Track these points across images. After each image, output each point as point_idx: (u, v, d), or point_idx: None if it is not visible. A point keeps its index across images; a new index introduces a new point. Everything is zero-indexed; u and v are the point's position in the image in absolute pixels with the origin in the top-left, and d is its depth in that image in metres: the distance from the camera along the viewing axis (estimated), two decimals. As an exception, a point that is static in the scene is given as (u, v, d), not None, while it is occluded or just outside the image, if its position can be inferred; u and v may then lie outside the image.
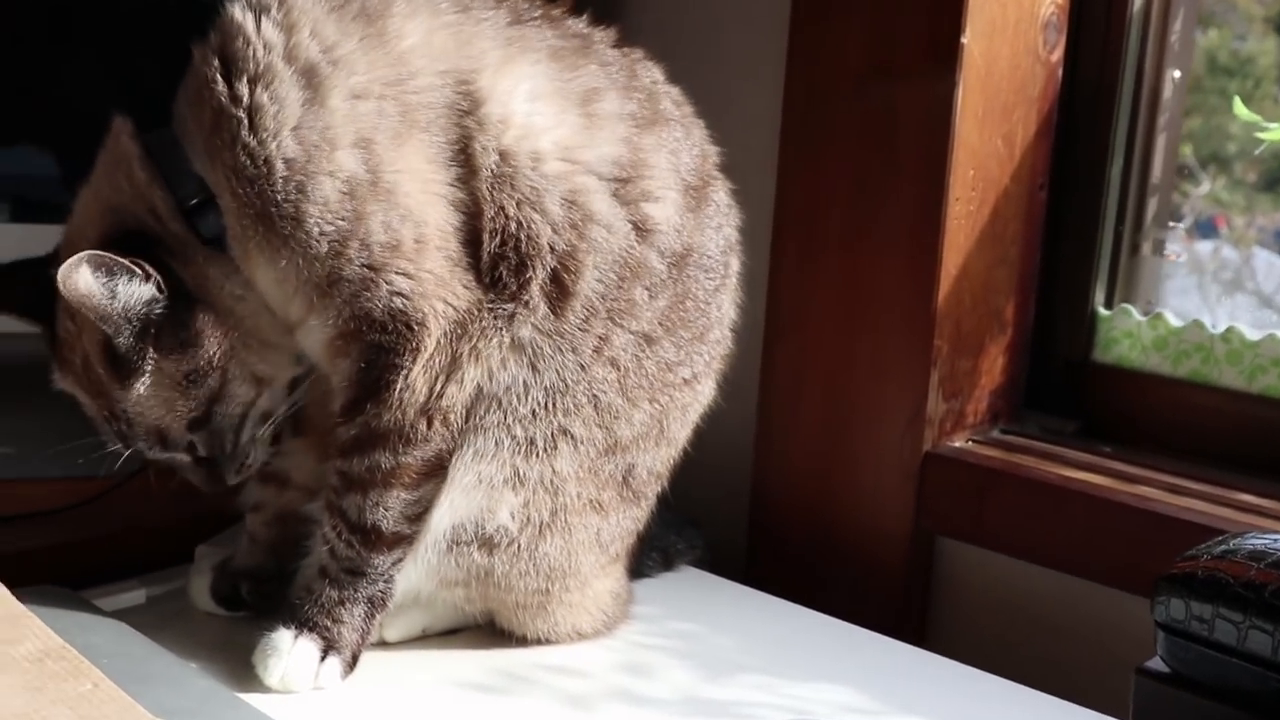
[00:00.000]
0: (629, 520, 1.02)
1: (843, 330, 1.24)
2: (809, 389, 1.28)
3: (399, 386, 0.90)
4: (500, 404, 0.93)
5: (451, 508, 0.94)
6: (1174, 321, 1.23)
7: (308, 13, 0.89)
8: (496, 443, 0.94)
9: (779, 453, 1.31)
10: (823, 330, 1.26)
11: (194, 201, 0.90)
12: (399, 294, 0.88)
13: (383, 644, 1.00)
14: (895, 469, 1.22)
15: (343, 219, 0.88)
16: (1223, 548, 0.83)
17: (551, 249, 0.91)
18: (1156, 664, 0.83)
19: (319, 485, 0.98)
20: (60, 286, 0.86)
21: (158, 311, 0.90)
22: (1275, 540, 0.81)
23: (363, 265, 0.88)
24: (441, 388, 0.91)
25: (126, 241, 0.90)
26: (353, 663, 0.95)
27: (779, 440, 1.30)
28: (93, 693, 0.81)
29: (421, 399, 0.90)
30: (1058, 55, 1.25)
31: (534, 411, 0.93)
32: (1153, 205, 1.28)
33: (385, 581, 0.94)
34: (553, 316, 0.92)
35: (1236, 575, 0.79)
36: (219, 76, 0.88)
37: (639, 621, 1.08)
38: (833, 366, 1.26)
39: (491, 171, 0.90)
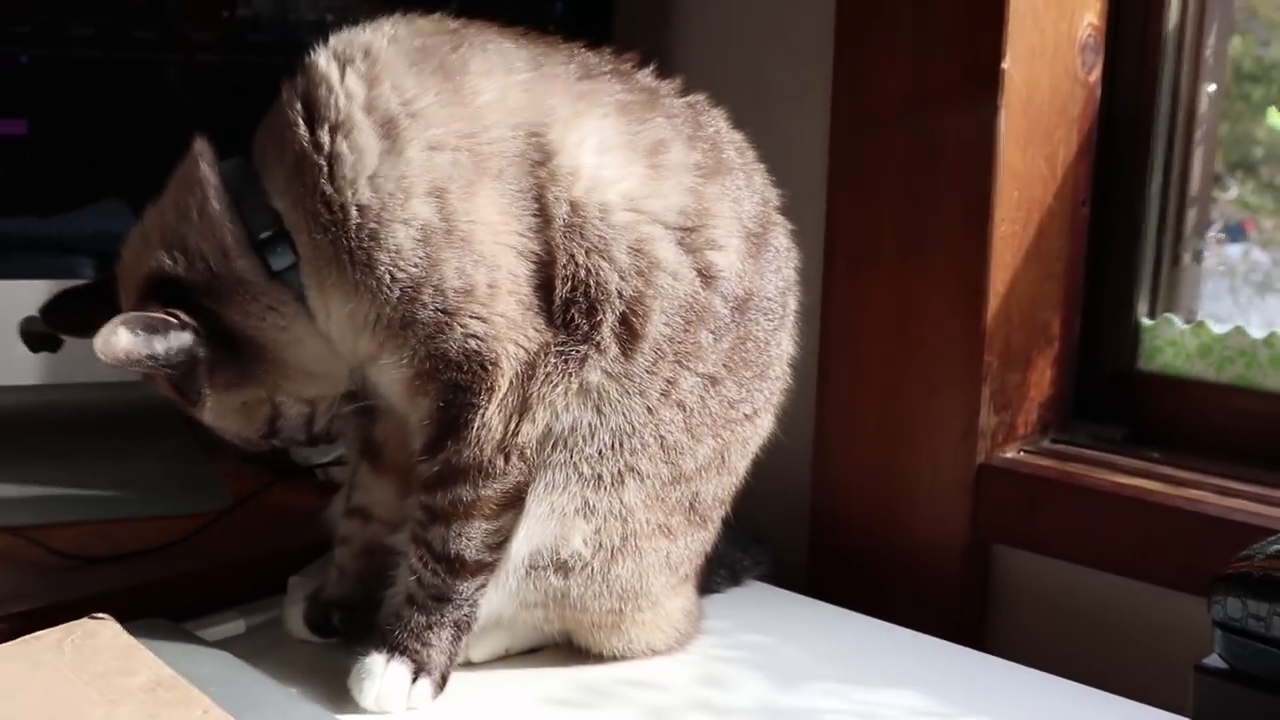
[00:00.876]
0: (696, 543, 1.04)
1: (895, 349, 1.26)
2: (864, 407, 1.29)
3: (476, 425, 0.92)
4: (566, 444, 0.95)
5: (528, 536, 0.96)
6: (1216, 329, 1.24)
7: (390, 66, 0.91)
8: (565, 478, 0.96)
9: (837, 469, 1.32)
10: (875, 350, 1.27)
11: (266, 234, 0.93)
12: (473, 336, 0.91)
13: (469, 664, 1.02)
14: (950, 481, 1.23)
15: (415, 265, 0.90)
16: (1276, 547, 0.83)
17: (620, 295, 0.93)
18: (1215, 661, 0.84)
19: (401, 519, 1.00)
20: (99, 353, 0.90)
21: (203, 354, 0.93)
22: (1325, 538, 0.82)
23: (437, 309, 0.90)
24: (516, 425, 0.93)
25: (168, 287, 0.93)
26: (442, 683, 0.97)
27: (836, 457, 1.32)
28: (204, 718, 0.84)
29: (498, 436, 0.92)
30: (1096, 76, 1.26)
31: (600, 452, 0.95)
32: (1192, 216, 1.29)
33: (470, 606, 0.96)
34: (623, 359, 0.94)
35: (1290, 574, 0.80)
36: (301, 121, 0.91)
37: (712, 635, 1.10)
38: (886, 385, 1.27)
39: (564, 221, 0.92)
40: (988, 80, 1.18)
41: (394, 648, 0.96)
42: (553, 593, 0.99)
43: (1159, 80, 1.26)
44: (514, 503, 0.95)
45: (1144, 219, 1.28)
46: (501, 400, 0.92)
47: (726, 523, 1.07)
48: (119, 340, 0.90)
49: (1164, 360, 1.27)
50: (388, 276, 0.90)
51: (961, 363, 1.21)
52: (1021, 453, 1.25)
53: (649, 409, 0.96)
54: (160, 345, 0.92)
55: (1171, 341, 1.26)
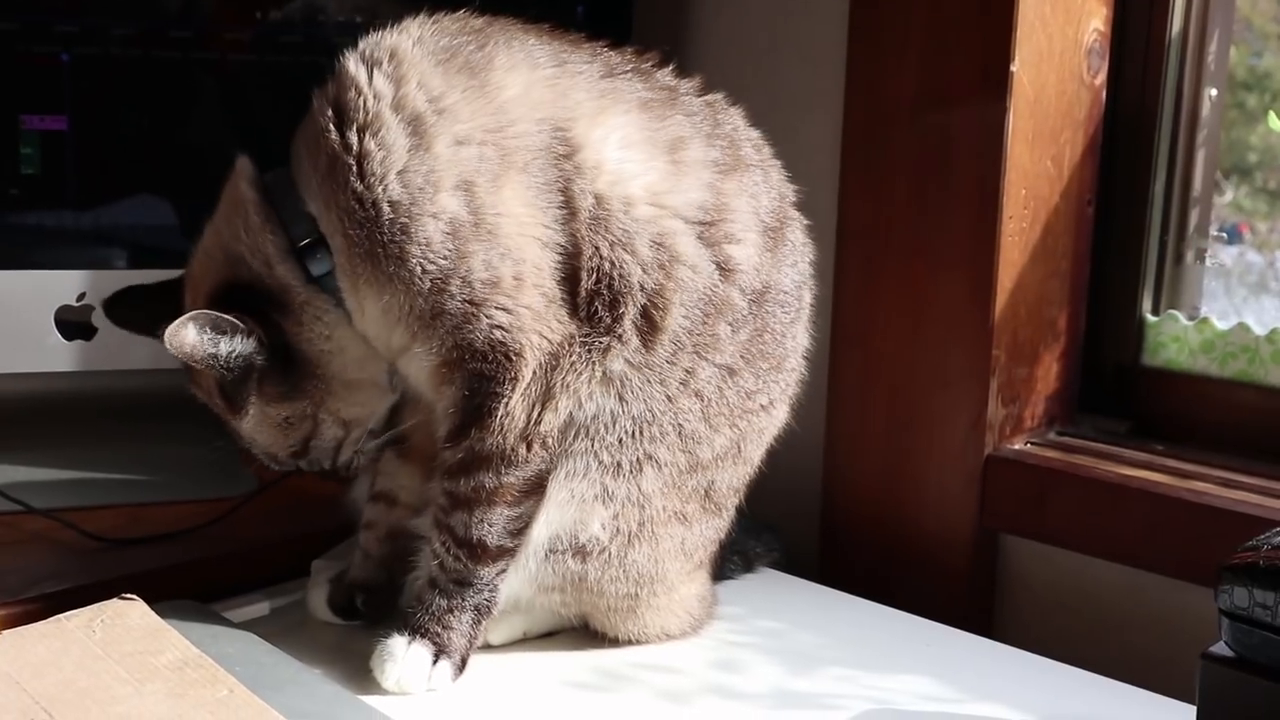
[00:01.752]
0: (711, 530, 1.03)
1: (905, 344, 1.24)
2: (874, 399, 1.27)
3: (500, 414, 0.90)
4: (588, 432, 0.94)
5: (547, 521, 0.95)
6: (1220, 325, 1.22)
7: (416, 65, 0.90)
8: (586, 465, 0.94)
9: (847, 460, 1.30)
10: (886, 344, 1.25)
11: (305, 241, 0.92)
12: (499, 327, 0.89)
13: (487, 647, 1.00)
14: (958, 472, 1.21)
15: (444, 258, 0.88)
16: (1281, 538, 0.82)
17: (642, 287, 0.92)
18: (1221, 649, 0.82)
19: (424, 503, 0.99)
20: (167, 343, 0.90)
21: (259, 362, 0.93)
22: (1331, 529, 0.80)
23: (464, 300, 0.89)
24: (539, 415, 0.91)
25: (238, 294, 0.93)
26: (462, 665, 0.95)
27: (847, 448, 1.30)
28: (229, 698, 0.82)
29: (521, 425, 0.91)
30: (1101, 79, 1.24)
31: (620, 440, 0.94)
32: (1194, 216, 1.27)
33: (490, 591, 0.95)
34: (644, 350, 0.93)
35: (1296, 563, 0.78)
36: (332, 125, 0.90)
37: (726, 621, 1.08)
38: (896, 378, 1.25)
39: (589, 214, 0.90)
40: (997, 82, 1.16)
41: (415, 630, 0.94)
42: (570, 577, 0.97)
43: (1162, 84, 1.24)
44: (536, 490, 0.93)
45: (1147, 218, 1.26)
46: (525, 390, 0.90)
47: (740, 510, 1.06)
48: (187, 335, 0.90)
49: (1167, 355, 1.25)
50: (419, 269, 0.89)
51: (970, 356, 1.19)
52: (1028, 444, 1.23)
53: (668, 398, 0.94)
54: (224, 346, 0.92)
55: (1175, 337, 1.24)
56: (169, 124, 1.31)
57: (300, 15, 1.32)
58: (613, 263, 0.91)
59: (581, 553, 0.96)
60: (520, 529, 0.93)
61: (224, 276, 0.95)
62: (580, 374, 0.92)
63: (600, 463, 0.94)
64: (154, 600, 0.94)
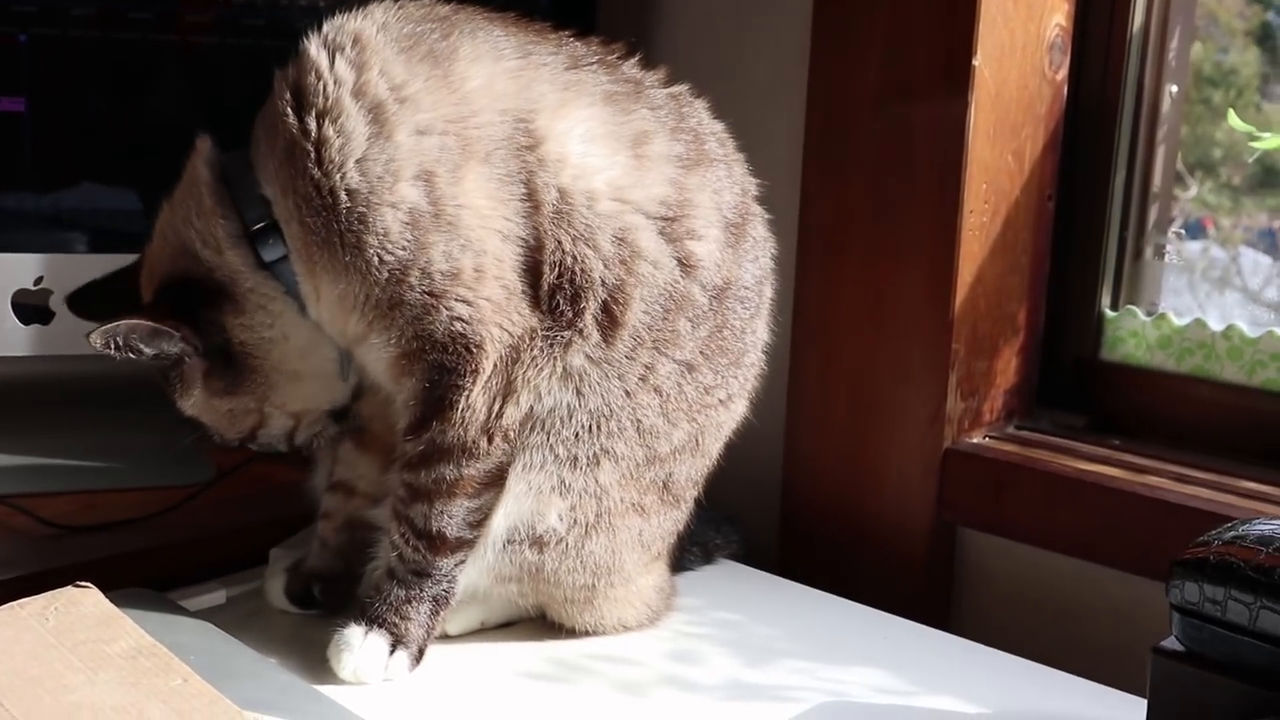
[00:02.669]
0: (669, 522, 1.03)
1: (865, 336, 1.24)
2: (834, 392, 1.27)
3: (461, 406, 0.90)
4: (544, 425, 0.93)
5: (505, 512, 0.95)
6: (1177, 321, 1.23)
7: (379, 53, 0.89)
8: (542, 458, 0.94)
9: (807, 452, 1.30)
10: (846, 337, 1.26)
11: (258, 226, 0.91)
12: (459, 319, 0.89)
13: (444, 637, 1.00)
14: (917, 465, 1.22)
15: (403, 248, 0.88)
16: (1232, 533, 0.82)
17: (603, 282, 0.91)
18: (1172, 643, 0.83)
19: (383, 494, 0.99)
20: (92, 345, 0.91)
21: (193, 361, 0.94)
22: (1281, 526, 0.81)
23: (424, 292, 0.88)
24: (500, 407, 0.91)
25: (181, 290, 0.93)
26: (419, 656, 0.95)
27: (807, 440, 1.30)
28: (183, 687, 0.82)
29: (482, 417, 0.91)
30: (1063, 75, 1.24)
31: (576, 434, 0.94)
32: (1154, 212, 1.28)
33: (449, 582, 0.95)
34: (604, 345, 0.92)
35: (1246, 559, 0.79)
36: (291, 110, 0.89)
37: (683, 612, 1.08)
38: (857, 370, 1.25)
39: (552, 208, 0.90)
40: (959, 77, 1.16)
41: (373, 620, 0.94)
42: (528, 567, 0.97)
43: (1123, 80, 1.25)
44: (496, 482, 0.93)
45: (1107, 214, 1.26)
46: (486, 382, 0.90)
47: (699, 502, 1.06)
48: (104, 341, 0.92)
49: (1125, 350, 1.25)
50: (376, 259, 0.88)
51: (930, 350, 1.20)
52: (987, 438, 1.24)
53: (627, 393, 0.94)
54: (149, 349, 0.93)
55: (1133, 332, 1.25)
56: (129, 106, 1.30)
57: (264, -1, 1.31)
58: (575, 257, 0.91)
59: (539, 544, 0.96)
60: (480, 521, 0.93)
61: (169, 271, 0.94)
62: (541, 368, 0.91)
63: (556, 456, 0.94)
64: (109, 588, 0.93)
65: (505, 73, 0.91)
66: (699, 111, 1.01)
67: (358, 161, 0.88)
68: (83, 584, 0.93)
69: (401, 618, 0.94)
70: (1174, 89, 1.26)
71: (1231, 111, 1.12)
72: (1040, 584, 1.19)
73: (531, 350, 0.91)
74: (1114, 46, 1.25)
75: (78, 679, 0.82)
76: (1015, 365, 1.26)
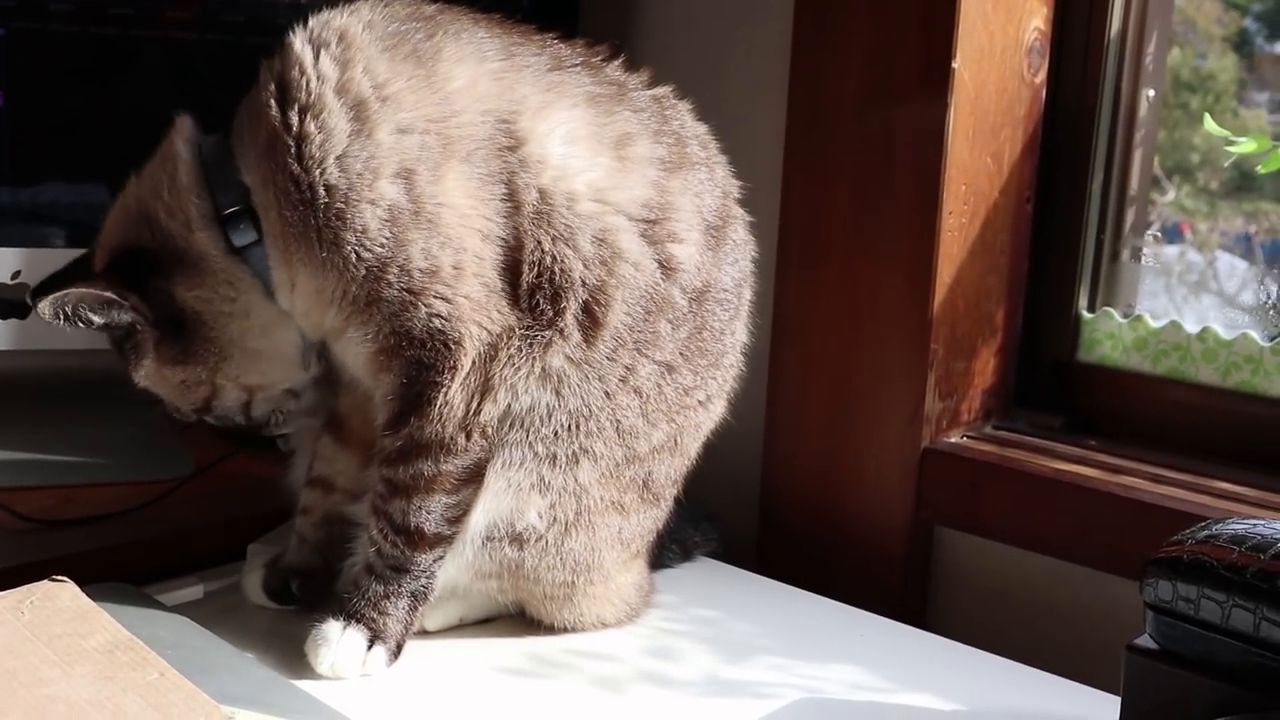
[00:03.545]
0: (649, 520, 1.03)
1: (845, 336, 1.25)
2: (813, 391, 1.28)
3: (439, 402, 0.90)
4: (523, 424, 0.93)
5: (485, 509, 0.95)
6: (1153, 323, 1.23)
7: (364, 50, 0.89)
8: (521, 456, 0.94)
9: (786, 450, 1.31)
10: (826, 336, 1.26)
11: (231, 210, 0.91)
12: (438, 315, 0.89)
13: (423, 633, 1.00)
14: (895, 464, 1.22)
15: (381, 245, 0.88)
16: (1205, 533, 0.83)
17: (583, 283, 0.91)
18: (1146, 641, 0.84)
19: (361, 489, 0.98)
20: (39, 314, 0.92)
21: (144, 331, 0.93)
22: (1254, 525, 0.82)
23: (402, 289, 0.88)
24: (478, 405, 0.91)
25: (134, 259, 0.93)
26: (397, 651, 0.95)
27: (786, 439, 1.31)
28: (160, 681, 0.81)
29: (460, 414, 0.91)
30: (1041, 78, 1.25)
31: (556, 433, 0.94)
32: (1130, 215, 1.29)
33: (427, 578, 0.95)
34: (584, 345, 0.92)
35: (1219, 558, 0.79)
36: (274, 103, 0.89)
37: (662, 609, 1.08)
38: (836, 370, 1.26)
39: (533, 208, 0.90)
40: (938, 79, 1.17)
41: (351, 616, 0.94)
42: (507, 564, 0.97)
43: (1101, 84, 1.26)
44: (474, 478, 0.93)
45: (1085, 216, 1.27)
46: (464, 379, 0.90)
47: (678, 500, 1.06)
48: (50, 309, 0.92)
49: (1102, 352, 1.26)
50: (354, 255, 0.88)
51: (909, 351, 1.20)
52: (964, 438, 1.24)
53: (607, 394, 0.94)
54: (98, 319, 0.93)
55: (1110, 334, 1.26)
56: (108, 101, 1.29)
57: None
58: (554, 257, 0.91)
59: (518, 540, 0.96)
60: (458, 517, 0.93)
61: (121, 241, 0.94)
62: (520, 367, 0.91)
63: (536, 454, 0.94)
64: (86, 583, 0.93)
65: (488, 74, 0.91)
66: (682, 114, 1.01)
67: (338, 158, 0.88)
68: (59, 578, 0.93)
69: (380, 613, 0.94)
70: (1151, 93, 1.27)
71: (1208, 116, 1.13)
72: (1016, 583, 1.20)
73: (509, 349, 0.91)
74: (1092, 50, 1.26)
75: (53, 673, 0.81)
76: (993, 366, 1.27)
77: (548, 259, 0.91)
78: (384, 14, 0.92)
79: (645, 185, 0.94)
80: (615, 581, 1.03)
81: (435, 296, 0.89)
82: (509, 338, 0.91)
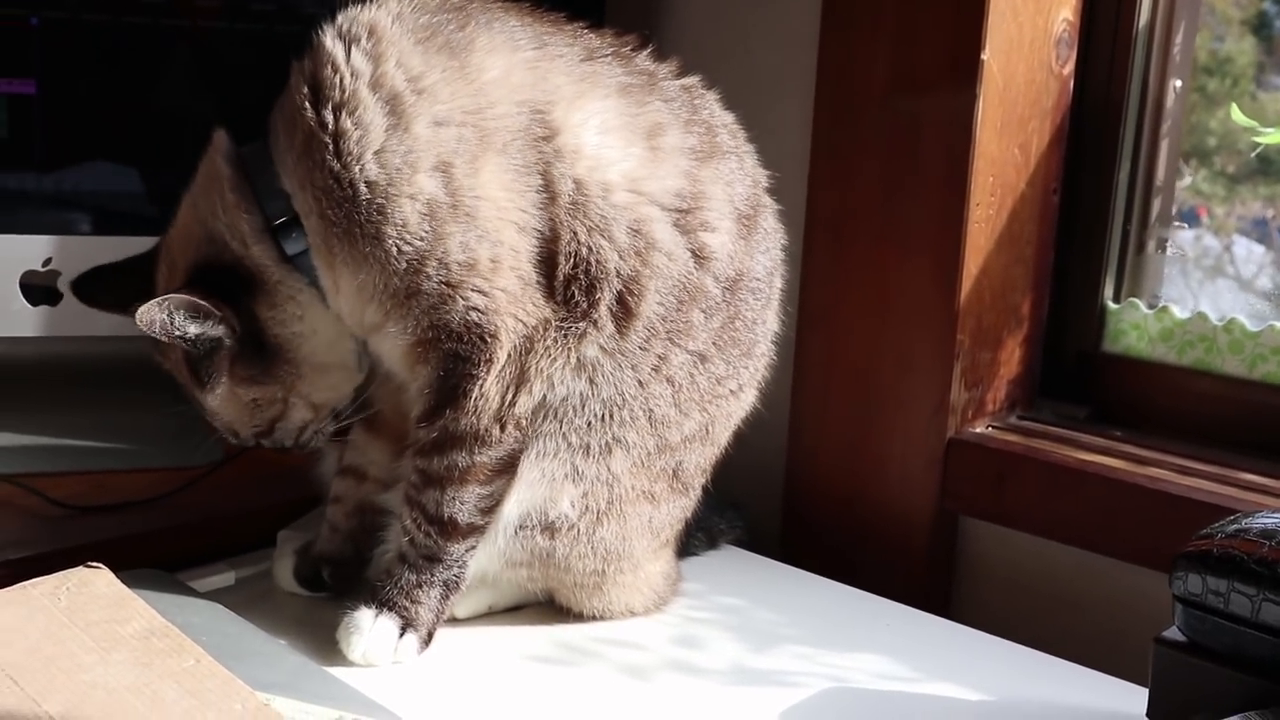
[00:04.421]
0: (678, 509, 1.03)
1: (871, 326, 1.25)
2: (839, 381, 1.28)
3: (475, 395, 0.90)
4: (557, 414, 0.94)
5: (518, 498, 0.95)
6: (1179, 314, 1.23)
7: (395, 44, 0.89)
8: (555, 446, 0.94)
9: (811, 440, 1.31)
10: (852, 326, 1.26)
11: (280, 220, 0.91)
12: (474, 308, 0.89)
13: (453, 620, 1.00)
14: (921, 454, 1.22)
15: (421, 239, 0.88)
16: (1235, 526, 0.83)
17: (618, 273, 0.91)
18: (1174, 634, 0.84)
19: (393, 479, 0.99)
20: (138, 321, 0.90)
21: (228, 345, 0.93)
22: (1283, 519, 0.82)
23: (440, 282, 0.89)
24: (513, 397, 0.91)
25: (214, 275, 0.93)
26: (428, 639, 0.96)
27: (811, 428, 1.31)
28: (196, 668, 0.82)
29: (495, 406, 0.91)
30: (1069, 69, 1.25)
31: (589, 423, 0.94)
32: (1156, 206, 1.28)
33: (459, 567, 0.95)
34: (618, 336, 0.93)
35: (1249, 552, 0.80)
36: (308, 103, 0.88)
37: (688, 597, 1.09)
38: (861, 360, 1.26)
39: (568, 199, 0.90)
40: (967, 70, 1.17)
41: (383, 603, 0.94)
42: (539, 552, 0.97)
43: (1129, 75, 1.25)
44: (508, 469, 0.93)
45: (1111, 207, 1.27)
46: (500, 372, 0.90)
47: (704, 489, 1.06)
48: (159, 316, 0.90)
49: (1127, 343, 1.26)
50: (394, 249, 0.88)
51: (935, 341, 1.20)
52: (990, 428, 1.24)
53: (640, 383, 0.94)
54: (194, 329, 0.92)
55: (1135, 325, 1.25)
56: (139, 89, 1.30)
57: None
58: (590, 248, 0.91)
59: (550, 529, 0.96)
60: (491, 507, 0.94)
61: (202, 255, 0.94)
62: (555, 358, 0.92)
63: (569, 444, 0.94)
64: (118, 569, 0.94)
65: (522, 64, 0.91)
66: (711, 103, 1.01)
67: (376, 153, 0.88)
68: (94, 564, 0.94)
69: (412, 601, 0.94)
70: (1178, 84, 1.26)
71: (1235, 106, 1.13)
72: (1041, 573, 1.20)
73: (545, 340, 0.91)
74: (1120, 41, 1.25)
75: (91, 659, 0.82)
76: (1019, 356, 1.27)
77: (583, 250, 0.91)
78: (413, 6, 0.92)
79: (677, 175, 0.95)
80: (644, 570, 1.03)
81: (472, 290, 0.89)
82: (544, 330, 0.91)
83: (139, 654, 0.83)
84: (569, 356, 0.92)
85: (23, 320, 1.24)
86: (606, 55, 0.95)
